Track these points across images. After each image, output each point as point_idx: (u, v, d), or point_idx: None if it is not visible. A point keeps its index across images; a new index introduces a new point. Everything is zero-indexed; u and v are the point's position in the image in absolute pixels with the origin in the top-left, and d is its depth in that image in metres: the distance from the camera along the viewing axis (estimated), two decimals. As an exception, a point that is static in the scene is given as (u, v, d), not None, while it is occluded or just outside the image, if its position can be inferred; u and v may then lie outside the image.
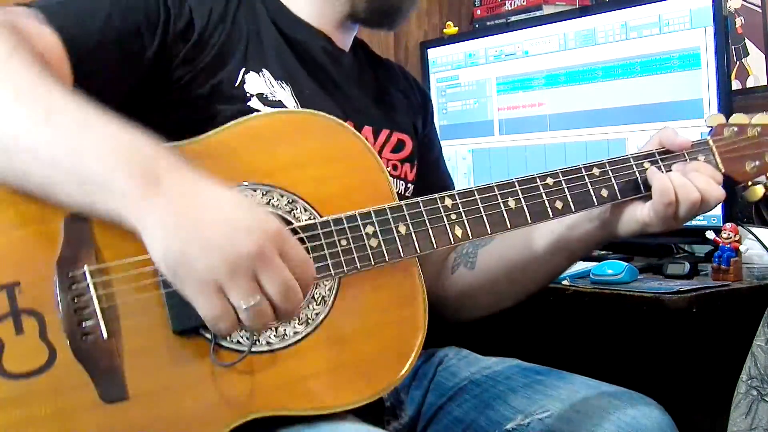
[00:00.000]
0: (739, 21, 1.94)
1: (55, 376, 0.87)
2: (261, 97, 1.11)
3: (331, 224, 0.97)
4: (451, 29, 2.25)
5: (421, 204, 1.02)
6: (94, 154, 0.84)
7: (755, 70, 1.93)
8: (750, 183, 1.15)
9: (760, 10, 1.91)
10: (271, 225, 0.84)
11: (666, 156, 1.12)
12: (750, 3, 1.93)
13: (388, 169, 1.21)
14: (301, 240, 0.95)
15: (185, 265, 0.82)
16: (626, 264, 1.50)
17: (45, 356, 0.87)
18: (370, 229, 0.99)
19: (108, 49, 1.01)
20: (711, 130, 1.17)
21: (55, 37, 0.96)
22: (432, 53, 2.14)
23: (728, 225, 1.49)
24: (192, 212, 0.83)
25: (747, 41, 1.94)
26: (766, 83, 1.91)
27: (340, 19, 1.22)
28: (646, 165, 1.11)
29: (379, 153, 1.21)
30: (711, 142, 1.15)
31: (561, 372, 1.20)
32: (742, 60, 1.95)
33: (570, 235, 1.16)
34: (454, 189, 1.35)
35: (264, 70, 1.12)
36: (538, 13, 2.09)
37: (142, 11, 1.05)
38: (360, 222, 0.98)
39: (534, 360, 1.27)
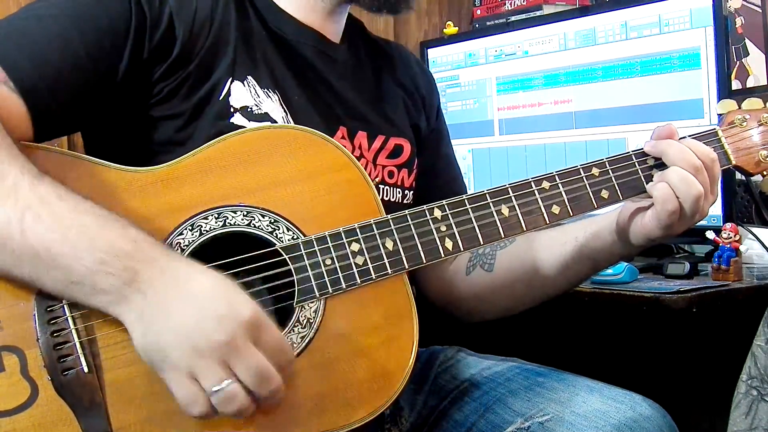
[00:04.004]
0: (739, 21, 1.94)
1: (38, 412, 0.87)
2: (246, 111, 1.07)
3: (315, 243, 0.96)
4: (451, 29, 2.25)
5: (408, 217, 0.99)
6: (73, 256, 0.85)
7: (755, 70, 1.93)
8: (765, 173, 1.09)
9: (760, 10, 1.91)
10: (243, 312, 0.84)
11: None
12: (750, 3, 1.93)
13: (384, 176, 1.20)
14: (284, 261, 0.95)
15: (160, 353, 0.85)
16: (626, 264, 1.49)
17: (27, 393, 0.87)
18: (355, 246, 0.96)
19: (67, 81, 0.97)
20: (720, 119, 1.11)
21: (3, 74, 0.94)
22: (432, 53, 2.14)
23: (728, 225, 1.49)
24: (166, 304, 0.85)
25: (747, 41, 1.94)
26: (766, 83, 1.91)
27: (332, 5, 1.16)
28: (650, 161, 1.06)
29: (374, 159, 1.19)
30: (720, 132, 1.10)
31: (561, 372, 1.19)
32: (742, 60, 1.95)
33: (594, 243, 1.12)
34: (463, 185, 1.35)
35: (249, 77, 1.09)
36: (538, 13, 2.09)
37: (107, 28, 1.00)
38: (345, 239, 0.96)
39: (534, 359, 1.27)
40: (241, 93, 1.08)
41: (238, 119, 1.07)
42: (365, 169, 1.10)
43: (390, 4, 1.16)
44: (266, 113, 1.09)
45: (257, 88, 1.09)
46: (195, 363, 0.83)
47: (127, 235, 0.87)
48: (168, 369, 0.85)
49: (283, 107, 1.11)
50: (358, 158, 1.13)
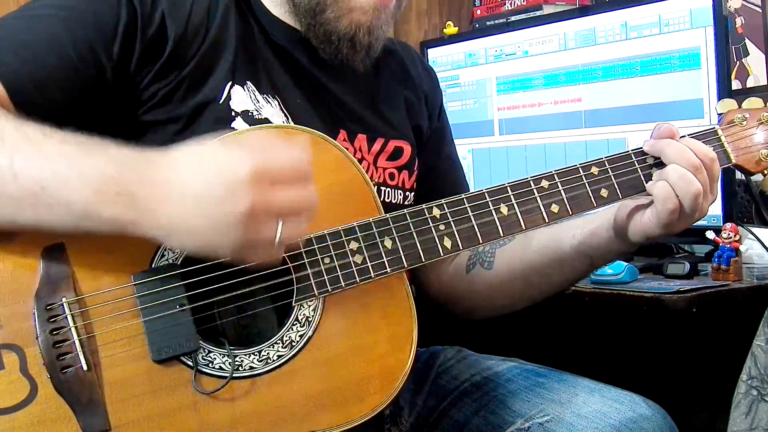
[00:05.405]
0: (739, 21, 1.95)
1: (37, 410, 0.87)
2: (246, 115, 1.07)
3: (314, 242, 0.96)
4: (451, 29, 2.25)
5: (407, 216, 0.99)
6: (68, 190, 0.85)
7: (755, 70, 1.93)
8: (765, 172, 1.10)
9: (760, 10, 1.91)
10: (242, 172, 0.83)
11: None
12: (750, 3, 1.93)
13: (385, 178, 1.20)
14: (283, 260, 0.94)
15: (214, 251, 0.87)
16: (626, 264, 1.50)
17: (26, 390, 0.87)
18: (354, 245, 0.96)
19: (55, 80, 0.97)
20: (720, 118, 1.12)
21: None
22: (432, 53, 2.14)
23: (728, 225, 1.49)
24: (177, 210, 0.84)
25: (747, 41, 1.94)
26: (766, 83, 1.91)
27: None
28: (649, 160, 1.06)
29: (374, 161, 1.19)
30: (719, 131, 1.10)
31: (561, 373, 1.19)
32: (742, 60, 1.95)
33: (591, 241, 1.12)
34: (466, 185, 1.34)
35: (248, 82, 1.08)
36: (538, 13, 2.09)
37: (97, 26, 1.00)
38: (344, 238, 0.96)
39: (534, 359, 1.27)
40: (242, 97, 1.08)
41: (238, 123, 1.06)
42: (366, 171, 1.10)
43: (342, 54, 1.13)
44: (266, 118, 1.08)
45: (257, 93, 1.09)
46: (244, 240, 0.84)
47: (111, 158, 0.86)
48: (228, 254, 0.86)
49: (283, 112, 1.10)
50: (360, 160, 1.13)
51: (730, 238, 1.47)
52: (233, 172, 0.83)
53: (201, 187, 0.84)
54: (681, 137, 1.07)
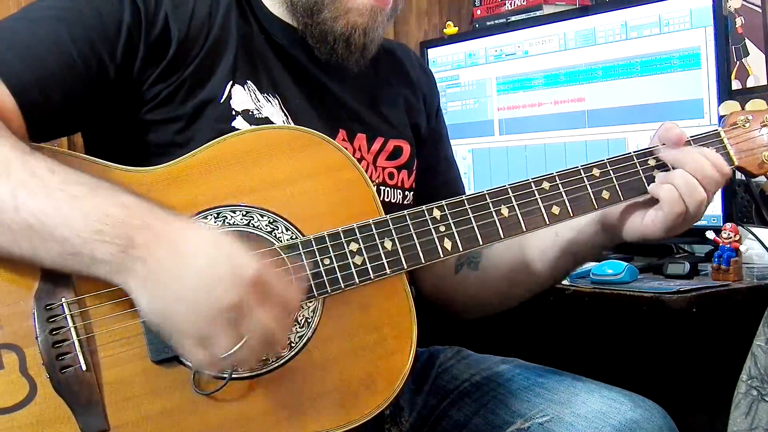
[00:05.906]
0: (739, 21, 1.95)
1: (36, 410, 0.87)
2: (246, 114, 1.07)
3: (313, 243, 0.96)
4: (451, 29, 2.25)
5: (407, 217, 0.99)
6: (67, 227, 0.85)
7: (755, 70, 1.93)
8: None
9: (760, 10, 1.91)
10: (248, 272, 0.84)
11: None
12: (750, 3, 1.93)
13: (385, 177, 1.20)
14: (282, 261, 0.94)
15: (168, 320, 0.85)
16: (626, 264, 1.50)
17: (26, 390, 0.87)
18: (354, 246, 0.96)
19: (59, 81, 0.97)
20: (721, 120, 1.11)
21: None
22: (432, 53, 2.14)
23: (728, 225, 1.49)
24: (168, 269, 0.84)
25: (747, 41, 1.94)
26: (766, 83, 1.91)
27: None
28: (651, 162, 1.06)
29: (374, 161, 1.19)
30: (722, 133, 1.09)
31: (561, 373, 1.19)
32: (742, 60, 1.95)
33: (576, 238, 1.13)
34: (462, 186, 1.35)
35: (249, 82, 1.09)
36: (538, 13, 2.09)
37: (100, 28, 1.00)
38: (343, 239, 0.96)
39: (534, 360, 1.27)
40: (242, 97, 1.08)
41: (239, 122, 1.07)
42: (366, 170, 1.10)
43: (337, 55, 1.13)
44: (266, 117, 1.09)
45: (257, 92, 1.09)
46: (205, 330, 0.84)
47: (119, 201, 0.86)
48: (178, 336, 0.85)
49: (283, 111, 1.11)
50: (359, 160, 1.13)
51: (730, 238, 1.47)
52: (238, 267, 0.84)
53: (205, 262, 0.84)
54: (690, 139, 1.07)
